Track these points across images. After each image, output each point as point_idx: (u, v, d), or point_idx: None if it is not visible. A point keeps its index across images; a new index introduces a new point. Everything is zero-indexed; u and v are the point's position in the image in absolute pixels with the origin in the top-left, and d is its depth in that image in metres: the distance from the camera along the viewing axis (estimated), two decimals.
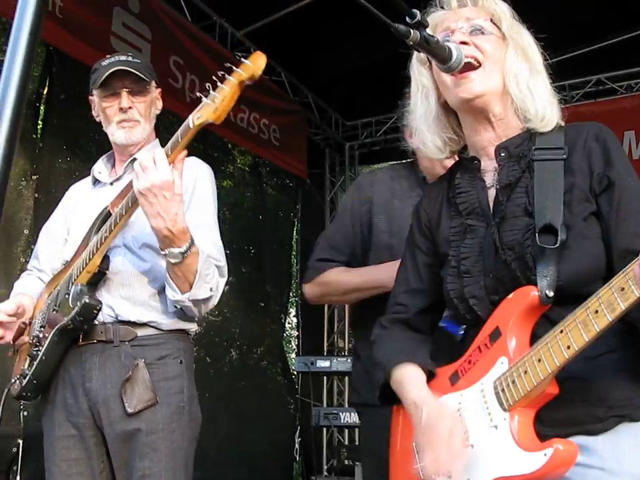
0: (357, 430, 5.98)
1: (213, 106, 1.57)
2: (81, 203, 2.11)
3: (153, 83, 2.06)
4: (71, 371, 1.90)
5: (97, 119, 2.08)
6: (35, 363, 1.89)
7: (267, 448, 5.42)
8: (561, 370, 1.09)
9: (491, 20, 1.31)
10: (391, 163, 4.67)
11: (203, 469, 3.96)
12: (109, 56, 2.03)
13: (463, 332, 1.41)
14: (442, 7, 1.35)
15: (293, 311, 7.51)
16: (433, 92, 1.35)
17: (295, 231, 6.49)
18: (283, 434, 5.67)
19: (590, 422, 1.14)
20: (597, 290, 1.03)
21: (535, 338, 1.15)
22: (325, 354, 6.18)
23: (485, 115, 1.29)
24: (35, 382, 1.91)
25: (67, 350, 1.90)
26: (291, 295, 6.51)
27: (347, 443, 6.04)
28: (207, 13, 4.93)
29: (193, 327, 2.00)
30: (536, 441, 1.12)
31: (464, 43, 1.25)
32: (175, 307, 1.88)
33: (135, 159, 2.02)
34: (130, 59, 2.00)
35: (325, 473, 5.79)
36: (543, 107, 1.27)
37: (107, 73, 1.94)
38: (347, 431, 6.06)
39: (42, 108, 4.06)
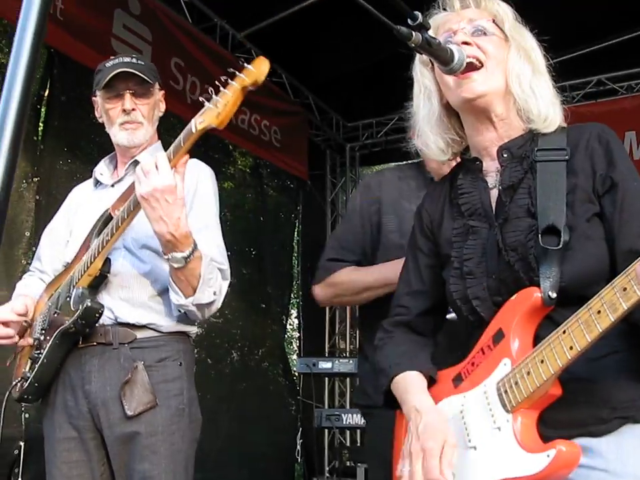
0: (358, 431, 5.98)
1: (216, 111, 1.56)
2: (83, 205, 2.11)
3: (157, 85, 2.06)
4: (70, 373, 1.90)
5: (100, 120, 2.08)
6: (36, 366, 1.89)
7: (268, 449, 5.41)
8: (564, 371, 1.09)
9: (494, 21, 1.31)
10: (398, 163, 4.67)
11: (204, 471, 3.96)
12: (113, 57, 2.03)
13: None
14: (444, 9, 1.35)
15: (294, 312, 7.51)
16: (435, 93, 1.35)
17: (295, 232, 6.49)
18: (285, 435, 5.67)
19: (593, 423, 1.14)
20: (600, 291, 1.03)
21: (538, 339, 1.15)
22: (327, 355, 6.18)
23: (487, 115, 1.29)
24: (36, 385, 1.91)
25: (68, 353, 1.90)
26: (292, 296, 6.50)
27: (348, 444, 6.04)
28: (207, 15, 4.93)
29: (193, 330, 2.00)
30: (539, 442, 1.11)
31: (466, 43, 1.25)
32: (179, 311, 1.88)
33: (136, 161, 2.02)
34: (134, 60, 2.00)
35: (327, 475, 5.79)
36: (545, 107, 1.27)
37: (111, 75, 1.93)
38: (348, 432, 6.05)
39: (43, 110, 4.06)
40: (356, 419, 4.92)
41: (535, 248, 1.18)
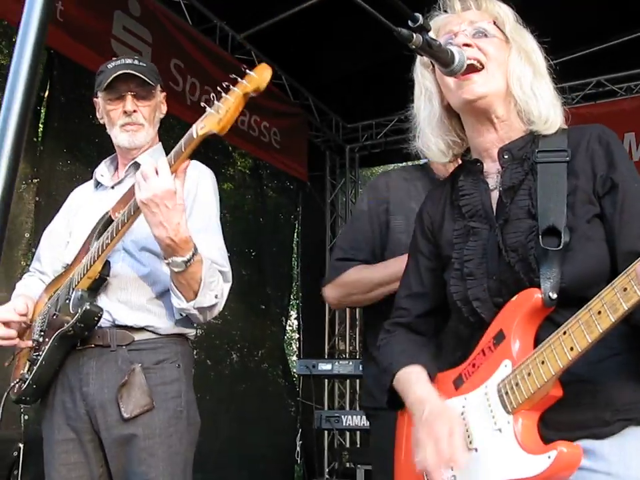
0: (358, 433, 5.98)
1: (217, 117, 1.55)
2: (83, 206, 2.11)
3: (158, 87, 2.06)
4: (69, 375, 1.90)
5: (101, 121, 2.08)
6: (35, 368, 1.89)
7: (268, 451, 5.41)
8: (564, 372, 1.09)
9: (494, 23, 1.31)
10: (403, 164, 4.67)
11: (203, 472, 3.96)
12: (115, 58, 2.03)
13: None
14: (445, 11, 1.35)
15: (293, 314, 7.51)
16: (436, 95, 1.35)
17: (295, 234, 6.50)
18: (284, 437, 5.67)
19: (596, 426, 1.14)
20: None
21: (538, 341, 1.15)
22: (326, 356, 6.18)
23: (488, 116, 1.29)
24: (34, 386, 1.90)
25: (67, 355, 1.90)
26: (291, 297, 6.51)
27: (348, 445, 6.05)
28: (207, 16, 4.94)
29: (191, 332, 1.99)
30: (540, 443, 1.11)
31: (467, 45, 1.25)
32: (181, 314, 1.88)
33: (136, 163, 2.02)
34: (136, 62, 2.00)
35: (327, 476, 5.79)
36: (546, 109, 1.27)
37: (113, 76, 1.93)
38: (348, 434, 6.06)
39: (42, 111, 4.07)
40: (355, 420, 4.92)
41: (535, 249, 1.18)
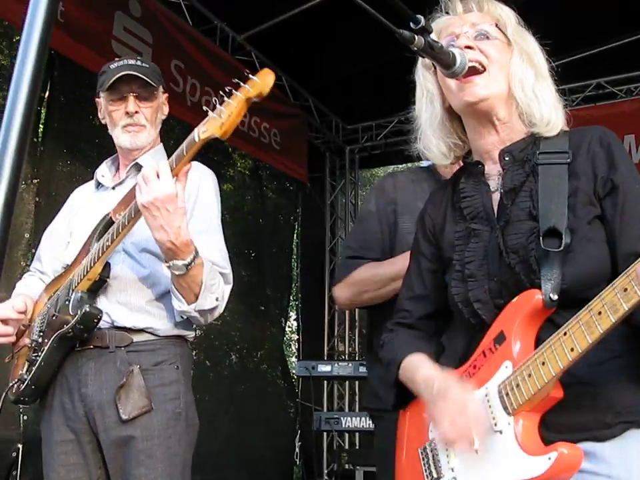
0: (357, 434, 5.98)
1: (220, 121, 1.55)
2: (83, 207, 2.10)
3: (161, 88, 2.06)
4: (68, 376, 1.89)
5: (103, 122, 2.08)
6: (33, 368, 1.89)
7: (267, 452, 5.41)
8: (565, 373, 1.09)
9: (496, 25, 1.31)
10: (408, 166, 4.67)
11: (202, 473, 3.96)
12: (117, 59, 2.03)
13: None
14: (447, 12, 1.36)
15: (293, 315, 7.51)
16: (437, 97, 1.36)
17: (295, 235, 6.50)
18: (283, 438, 5.67)
19: (597, 428, 1.14)
20: None
21: (539, 342, 1.14)
22: (325, 358, 6.18)
23: (489, 118, 1.29)
24: (33, 387, 1.90)
25: (66, 356, 1.89)
26: (291, 298, 6.51)
27: (347, 447, 6.04)
28: (207, 17, 4.94)
29: (190, 334, 1.99)
30: (540, 445, 1.11)
31: (469, 47, 1.26)
32: (182, 317, 1.88)
33: (137, 164, 2.02)
34: (138, 63, 2.00)
35: (325, 477, 5.79)
36: (548, 111, 1.27)
37: (115, 77, 1.93)
38: (347, 435, 6.06)
39: (43, 111, 4.06)
40: (355, 422, 4.92)
41: (536, 250, 1.18)
